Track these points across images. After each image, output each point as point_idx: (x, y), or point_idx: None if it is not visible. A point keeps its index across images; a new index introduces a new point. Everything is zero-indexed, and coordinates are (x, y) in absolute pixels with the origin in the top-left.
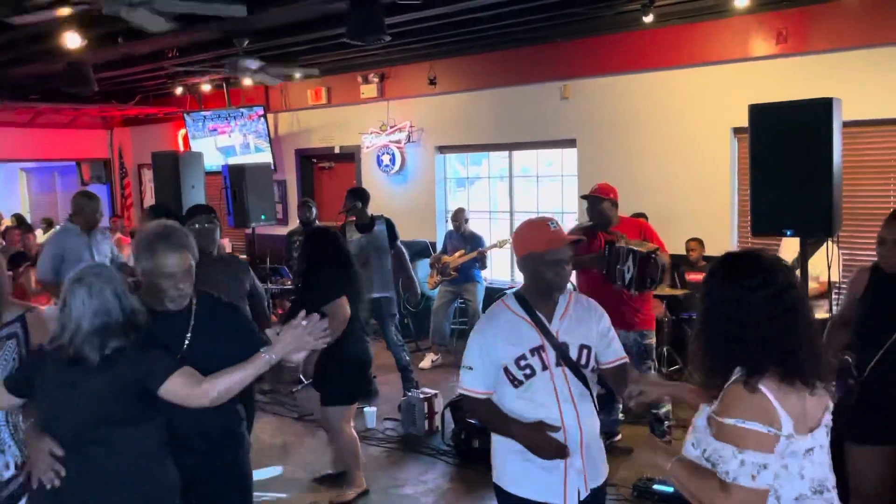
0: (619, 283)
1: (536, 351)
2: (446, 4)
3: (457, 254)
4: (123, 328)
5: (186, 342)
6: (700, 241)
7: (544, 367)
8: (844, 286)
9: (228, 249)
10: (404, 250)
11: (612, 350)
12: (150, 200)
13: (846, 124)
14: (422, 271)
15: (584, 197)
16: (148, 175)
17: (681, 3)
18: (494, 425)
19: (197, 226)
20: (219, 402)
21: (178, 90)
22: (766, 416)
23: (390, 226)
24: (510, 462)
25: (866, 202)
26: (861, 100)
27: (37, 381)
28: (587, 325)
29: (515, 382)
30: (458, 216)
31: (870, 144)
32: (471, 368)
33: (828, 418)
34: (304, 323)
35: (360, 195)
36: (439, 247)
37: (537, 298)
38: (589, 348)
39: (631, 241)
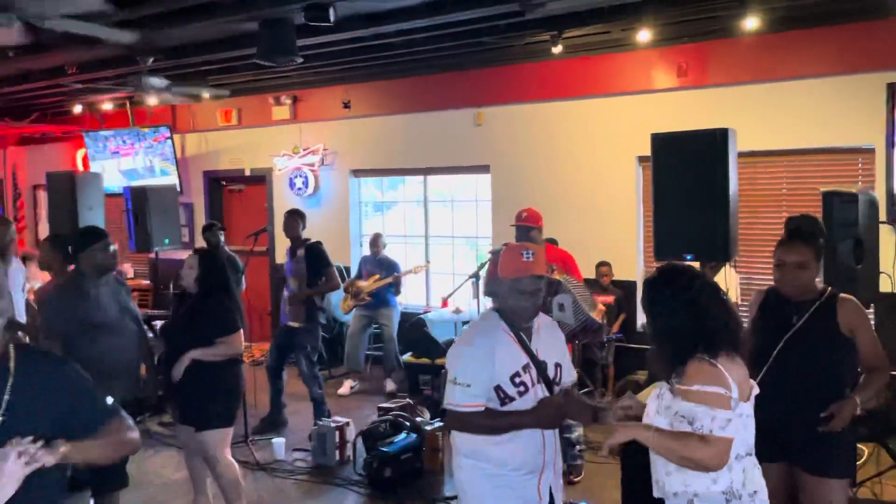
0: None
1: (526, 368)
2: (359, 28)
3: (371, 279)
4: None
5: (3, 404)
6: (610, 265)
7: (532, 384)
8: (742, 307)
9: (130, 274)
10: (334, 279)
11: (568, 371)
12: (45, 223)
13: (741, 154)
14: (335, 296)
15: (513, 225)
16: (43, 197)
17: (587, 36)
18: (501, 426)
19: (99, 254)
20: None
21: (78, 108)
22: (721, 381)
23: (313, 253)
24: (483, 488)
25: (761, 229)
26: (754, 131)
27: None
28: (556, 344)
29: (506, 400)
30: (376, 241)
31: (762, 174)
32: (468, 385)
33: (754, 396)
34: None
35: (301, 217)
36: (353, 271)
37: (520, 322)
38: (561, 366)
39: (573, 282)
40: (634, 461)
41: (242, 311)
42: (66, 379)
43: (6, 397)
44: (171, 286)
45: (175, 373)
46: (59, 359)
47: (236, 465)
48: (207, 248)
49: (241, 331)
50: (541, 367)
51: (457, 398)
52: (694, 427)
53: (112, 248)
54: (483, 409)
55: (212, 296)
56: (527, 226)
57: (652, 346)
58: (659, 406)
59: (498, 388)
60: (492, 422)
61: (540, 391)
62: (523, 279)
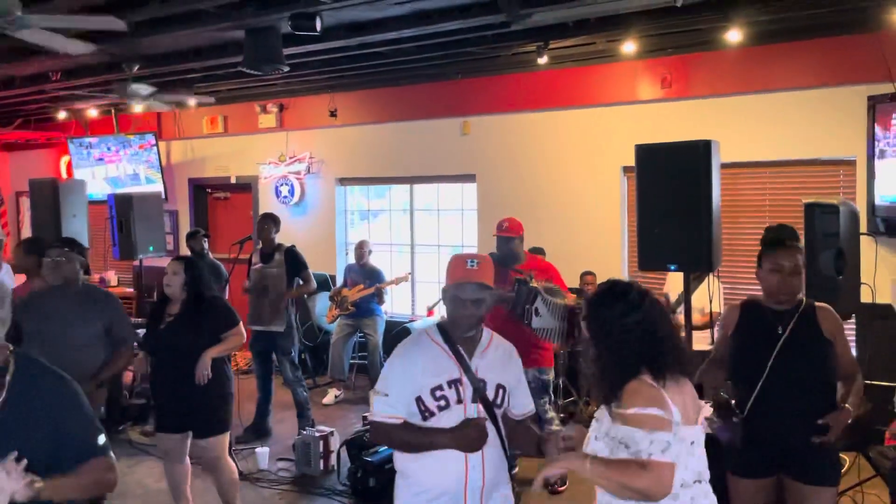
0: (526, 323)
1: (454, 383)
2: (345, 38)
3: (356, 288)
4: None
5: None
6: (594, 275)
7: (459, 401)
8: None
9: (114, 282)
10: (311, 282)
11: (522, 402)
12: (28, 231)
13: (724, 165)
14: (321, 304)
15: (495, 235)
16: (26, 204)
17: (573, 47)
18: (417, 443)
19: (49, 259)
20: None
21: (62, 115)
22: (660, 402)
23: (292, 256)
24: None
25: (743, 239)
26: (737, 143)
27: None
28: (505, 368)
29: (426, 414)
30: (361, 248)
31: (745, 185)
32: (386, 395)
33: (703, 420)
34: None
35: (277, 222)
36: (339, 280)
37: (458, 332)
38: (505, 388)
39: (543, 285)
40: None
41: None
42: (65, 402)
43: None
44: (155, 293)
45: (201, 375)
46: (62, 378)
47: (235, 466)
48: (191, 254)
49: (241, 323)
50: (477, 385)
51: (377, 408)
52: (631, 451)
53: (57, 259)
54: (400, 422)
55: (204, 297)
56: (507, 237)
57: (594, 368)
58: (598, 431)
59: (419, 400)
60: (409, 437)
61: (472, 410)
62: (465, 286)
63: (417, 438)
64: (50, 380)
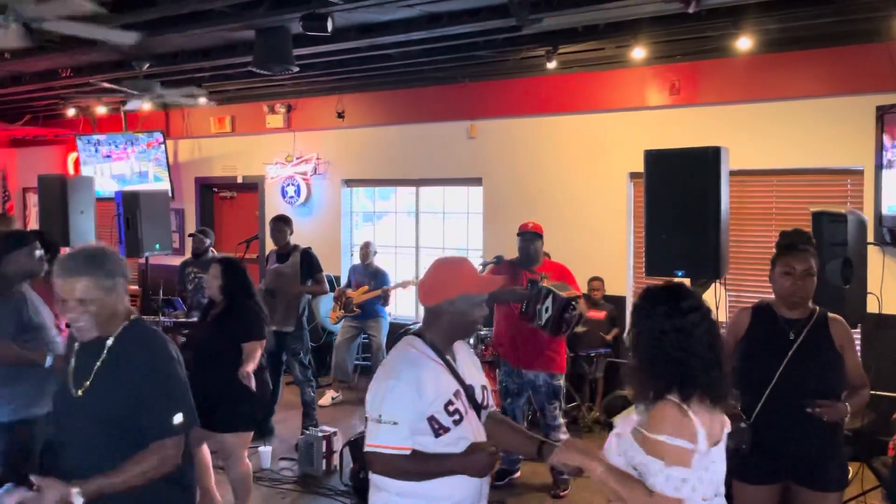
0: (536, 322)
1: (458, 395)
2: (355, 39)
3: (360, 289)
4: None
5: (89, 382)
6: (602, 281)
7: (466, 411)
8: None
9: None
10: (324, 284)
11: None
12: (34, 226)
13: (732, 173)
14: (325, 305)
15: (520, 233)
16: (33, 199)
17: (582, 52)
18: (430, 472)
19: (24, 258)
20: None
21: (71, 112)
22: (689, 433)
23: (307, 258)
24: None
25: (750, 247)
26: (745, 150)
27: None
28: (477, 367)
29: (441, 431)
30: (366, 250)
31: (752, 193)
32: (395, 423)
33: (725, 436)
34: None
35: (289, 223)
36: (343, 281)
37: (444, 342)
38: (487, 388)
39: (553, 284)
40: None
41: (266, 315)
42: (157, 373)
43: (93, 375)
44: (161, 291)
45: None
46: (163, 343)
47: (250, 464)
48: (194, 255)
49: (263, 339)
50: (469, 391)
51: (381, 438)
52: (645, 480)
53: (37, 253)
54: (409, 451)
55: (236, 303)
56: (535, 232)
57: (630, 361)
58: (618, 447)
59: (431, 419)
60: (418, 467)
61: (474, 419)
62: (478, 295)
63: (428, 468)
64: (147, 349)
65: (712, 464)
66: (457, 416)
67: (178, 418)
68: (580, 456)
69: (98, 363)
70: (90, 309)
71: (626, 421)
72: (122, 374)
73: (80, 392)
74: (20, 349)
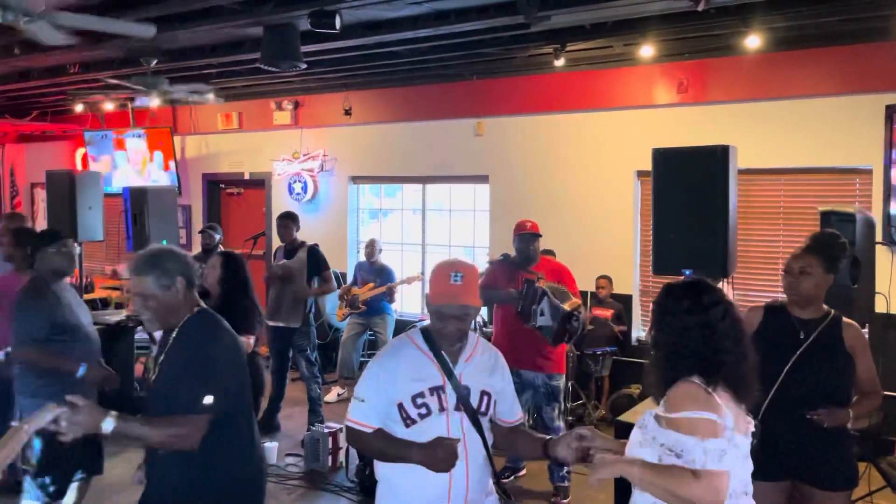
0: (531, 323)
1: (436, 391)
2: (363, 36)
3: (366, 287)
4: None
5: (157, 368)
6: (609, 279)
7: (441, 409)
8: None
9: (126, 274)
10: (332, 282)
11: (511, 409)
12: (42, 221)
13: (739, 172)
14: (331, 302)
15: (519, 234)
16: (41, 195)
17: (590, 50)
18: (390, 454)
19: (56, 257)
20: None
21: (79, 107)
22: (712, 406)
23: (314, 255)
24: None
25: (758, 246)
26: (752, 149)
27: None
28: (491, 374)
29: (408, 421)
30: (372, 247)
31: (760, 192)
32: (362, 401)
33: (750, 434)
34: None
35: (296, 220)
36: (349, 278)
37: (444, 343)
38: (490, 395)
39: (550, 286)
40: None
41: (261, 311)
42: (200, 354)
43: (160, 362)
44: None
45: None
46: (216, 331)
47: None
48: (203, 251)
49: (253, 337)
50: (460, 392)
51: (352, 413)
52: (683, 460)
53: (66, 251)
54: (372, 430)
55: (232, 298)
56: (533, 233)
57: (650, 358)
58: (644, 437)
59: (400, 406)
60: (381, 446)
61: (455, 419)
62: (449, 306)
63: (389, 450)
64: (199, 333)
65: (744, 458)
66: (423, 410)
67: (207, 399)
68: (618, 466)
69: (165, 351)
70: (149, 304)
71: (648, 413)
72: (176, 355)
73: (152, 377)
74: (54, 356)
